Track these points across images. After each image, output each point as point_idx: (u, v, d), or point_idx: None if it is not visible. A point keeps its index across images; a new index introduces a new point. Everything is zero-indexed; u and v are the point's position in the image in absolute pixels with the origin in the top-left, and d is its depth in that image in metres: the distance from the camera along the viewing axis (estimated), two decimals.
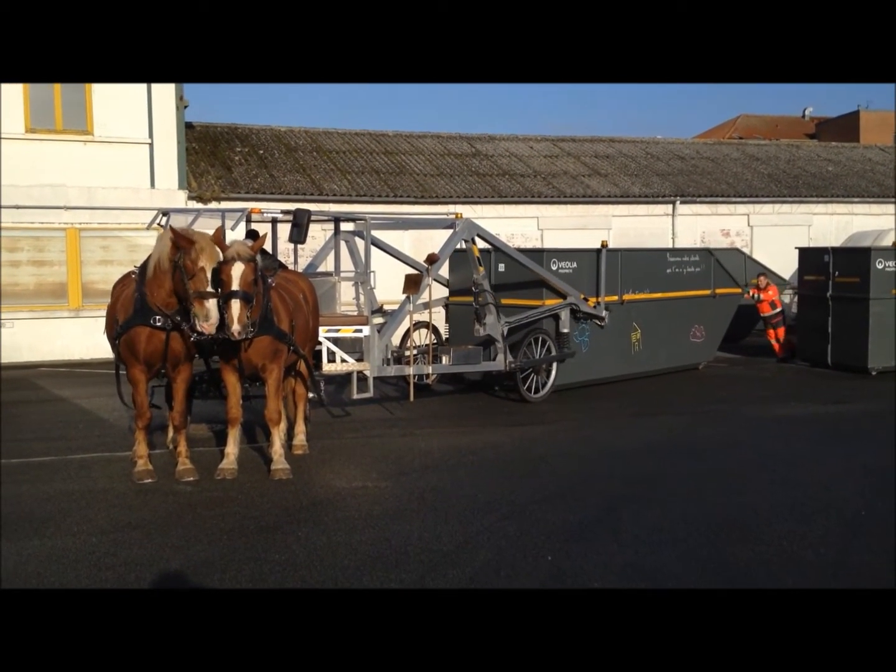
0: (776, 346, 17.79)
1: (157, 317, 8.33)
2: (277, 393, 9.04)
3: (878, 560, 6.53)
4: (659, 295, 15.26)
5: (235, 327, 8.06)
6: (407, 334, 13.19)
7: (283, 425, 9.33)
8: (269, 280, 9.06)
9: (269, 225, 12.63)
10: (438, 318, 14.36)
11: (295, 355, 9.31)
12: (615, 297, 14.51)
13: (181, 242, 8.13)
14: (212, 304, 8.02)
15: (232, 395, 8.95)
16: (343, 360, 11.12)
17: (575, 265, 13.89)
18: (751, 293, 17.44)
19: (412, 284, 11.99)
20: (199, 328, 8.08)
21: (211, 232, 8.57)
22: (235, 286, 8.11)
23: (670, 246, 23.46)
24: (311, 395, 10.31)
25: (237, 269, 8.17)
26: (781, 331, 17.75)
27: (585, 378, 14.22)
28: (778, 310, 17.70)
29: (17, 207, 18.02)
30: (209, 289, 8.00)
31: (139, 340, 8.48)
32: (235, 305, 8.08)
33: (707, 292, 16.21)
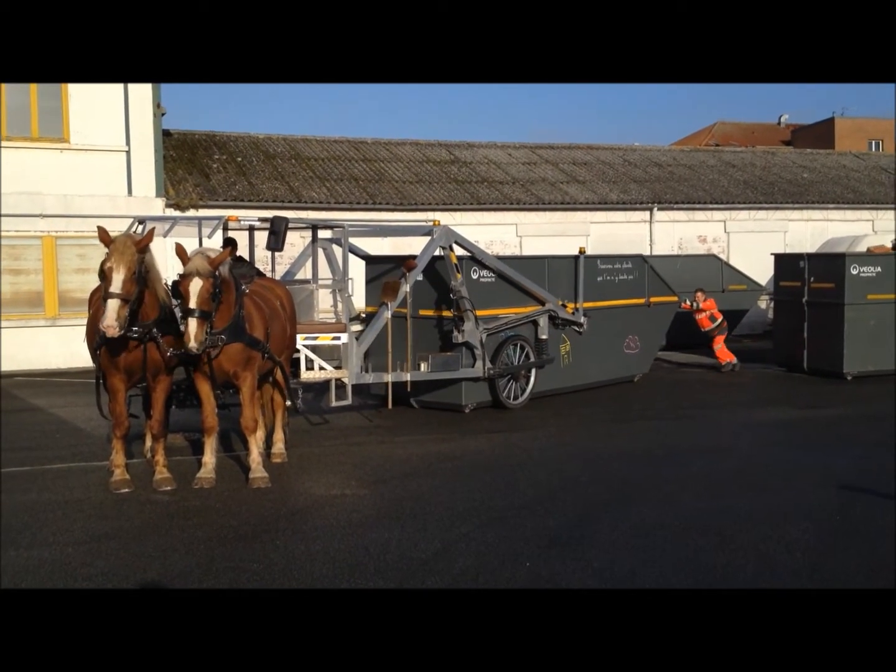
0: (720, 355, 17.34)
1: (134, 328, 8.26)
2: (252, 401, 9.02)
3: (853, 563, 6.58)
4: (589, 304, 14.39)
5: (192, 345, 8.16)
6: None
7: (260, 433, 9.31)
8: (243, 287, 9.05)
9: (247, 232, 12.61)
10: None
11: (270, 362, 9.30)
12: (537, 308, 13.71)
13: (103, 241, 8.13)
14: (109, 304, 7.82)
15: (206, 403, 8.93)
16: (321, 368, 11.10)
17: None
18: (688, 303, 17.14)
19: (390, 291, 11.99)
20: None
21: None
22: (192, 304, 8.21)
23: (648, 252, 23.57)
24: (287, 402, 10.29)
25: (195, 286, 8.25)
26: (721, 338, 17.32)
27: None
28: (718, 321, 17.30)
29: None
30: (111, 289, 7.86)
31: (119, 351, 8.43)
32: (192, 324, 8.18)
33: (641, 301, 15.48)
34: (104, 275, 7.97)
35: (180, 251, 8.56)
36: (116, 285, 7.86)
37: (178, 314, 8.59)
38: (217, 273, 8.41)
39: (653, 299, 15.69)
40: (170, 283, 9.20)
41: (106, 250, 8.09)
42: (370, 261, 14.08)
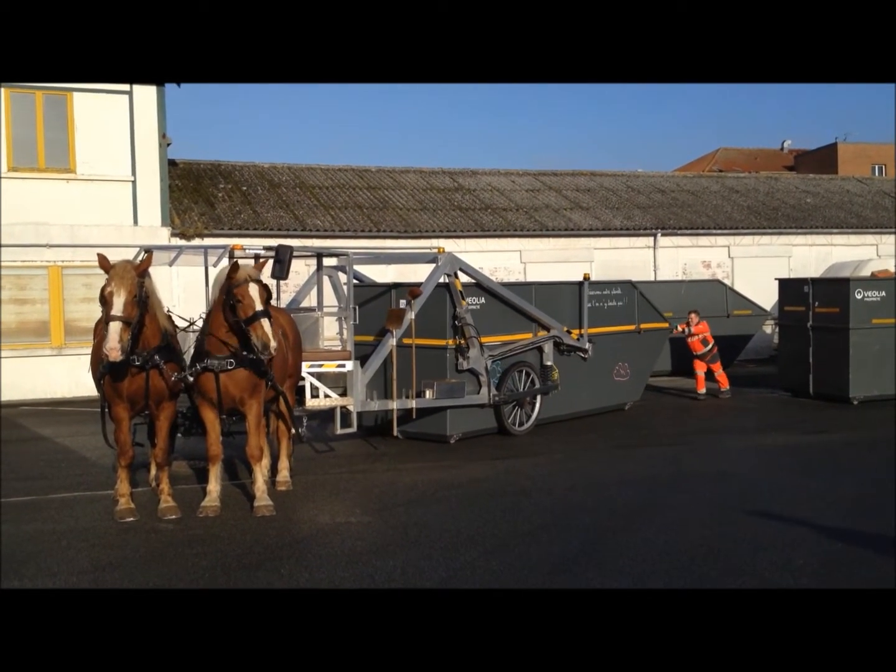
0: (700, 379, 16.89)
1: (135, 356, 8.28)
2: (258, 429, 9.02)
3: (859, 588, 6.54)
4: (576, 332, 14.15)
5: (273, 345, 8.26)
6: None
7: (265, 461, 9.31)
8: None
9: (252, 261, 12.66)
10: None
11: (274, 390, 9.31)
12: (529, 335, 13.53)
13: (102, 267, 8.14)
14: (111, 327, 7.82)
15: (211, 431, 8.94)
16: (326, 396, 11.11)
17: (483, 301, 12.90)
18: (679, 328, 16.86)
19: (395, 319, 12.00)
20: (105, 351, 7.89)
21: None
22: (259, 306, 8.27)
23: (652, 278, 23.64)
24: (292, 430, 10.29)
25: (254, 290, 8.33)
26: (717, 366, 16.95)
27: (488, 426, 13.00)
28: (710, 345, 16.97)
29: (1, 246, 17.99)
30: (112, 312, 7.85)
31: (122, 379, 8.46)
32: (266, 324, 8.25)
33: (631, 327, 15.16)
34: (105, 300, 7.98)
35: (236, 266, 8.60)
36: (118, 308, 7.86)
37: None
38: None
39: (643, 326, 15.38)
40: (171, 311, 9.24)
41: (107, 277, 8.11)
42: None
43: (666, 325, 16.04)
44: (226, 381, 8.71)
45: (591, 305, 14.45)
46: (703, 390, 16.92)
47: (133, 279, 8.01)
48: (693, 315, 17.14)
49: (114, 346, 7.75)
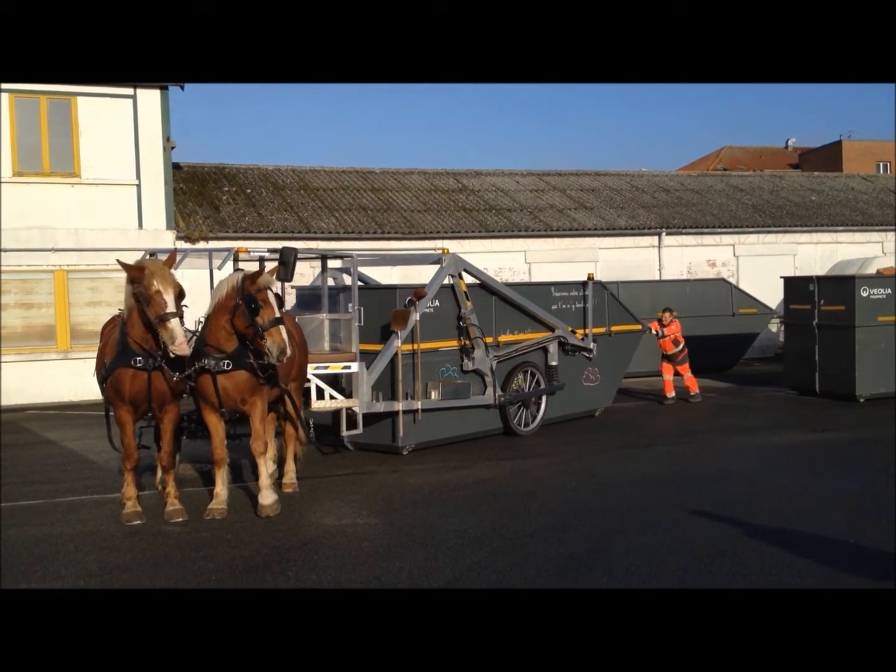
0: (668, 382, 16.35)
1: (138, 357, 8.31)
2: (262, 424, 8.99)
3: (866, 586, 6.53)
4: (543, 335, 13.60)
5: (289, 352, 8.50)
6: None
7: (270, 453, 9.29)
8: None
9: (257, 264, 12.67)
10: None
11: (278, 390, 9.31)
12: (490, 339, 12.79)
13: (131, 273, 8.18)
14: (174, 324, 7.91)
15: (215, 435, 8.95)
16: (332, 397, 11.11)
17: (437, 304, 12.31)
18: (651, 329, 16.23)
19: (399, 320, 11.99)
20: (170, 352, 7.98)
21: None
22: (277, 313, 8.45)
23: (657, 278, 23.65)
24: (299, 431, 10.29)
25: (272, 297, 8.49)
26: (685, 368, 16.40)
27: (448, 435, 12.44)
28: (681, 346, 16.39)
29: (5, 250, 18.03)
30: (168, 310, 7.93)
31: (123, 382, 8.48)
32: (284, 331, 8.44)
33: (601, 330, 14.52)
34: (151, 298, 7.97)
35: (260, 272, 8.78)
36: (172, 305, 7.97)
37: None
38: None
39: (614, 328, 14.80)
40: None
41: (118, 283, 8.13)
42: (303, 291, 13.27)
43: (639, 326, 15.47)
44: (225, 382, 8.73)
45: (556, 307, 13.98)
46: (671, 394, 16.39)
47: (173, 276, 8.16)
48: (667, 314, 16.50)
49: (182, 342, 7.94)
